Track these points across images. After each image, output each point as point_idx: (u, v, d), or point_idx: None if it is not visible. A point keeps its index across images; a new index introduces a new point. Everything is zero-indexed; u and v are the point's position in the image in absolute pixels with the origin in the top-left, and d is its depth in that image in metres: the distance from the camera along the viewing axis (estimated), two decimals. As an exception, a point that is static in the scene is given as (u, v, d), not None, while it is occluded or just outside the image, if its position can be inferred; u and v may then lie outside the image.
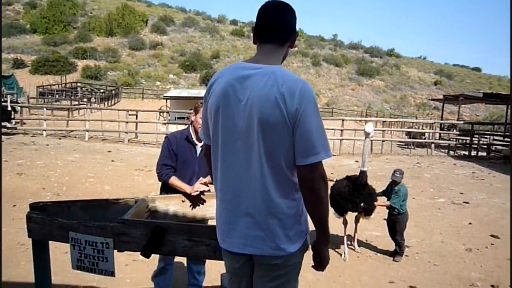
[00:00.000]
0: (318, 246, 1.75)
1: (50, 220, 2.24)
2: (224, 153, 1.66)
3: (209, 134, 1.75)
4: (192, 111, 3.19)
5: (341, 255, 4.77)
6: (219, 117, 1.65)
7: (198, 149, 3.15)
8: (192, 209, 2.96)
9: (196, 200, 2.97)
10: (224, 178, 1.69)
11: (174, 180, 3.04)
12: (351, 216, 4.97)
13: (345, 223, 4.95)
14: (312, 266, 1.81)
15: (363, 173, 4.55)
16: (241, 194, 1.65)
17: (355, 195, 4.61)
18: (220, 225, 1.76)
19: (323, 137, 1.58)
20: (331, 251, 4.45)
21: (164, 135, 14.17)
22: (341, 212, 4.82)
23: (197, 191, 2.94)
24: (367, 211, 4.81)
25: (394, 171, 4.94)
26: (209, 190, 2.98)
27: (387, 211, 5.02)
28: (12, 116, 15.41)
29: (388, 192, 5.01)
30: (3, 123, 14.35)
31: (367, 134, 4.50)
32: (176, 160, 3.13)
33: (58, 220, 2.23)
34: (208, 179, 3.00)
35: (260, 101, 1.55)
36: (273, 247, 1.64)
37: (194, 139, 3.14)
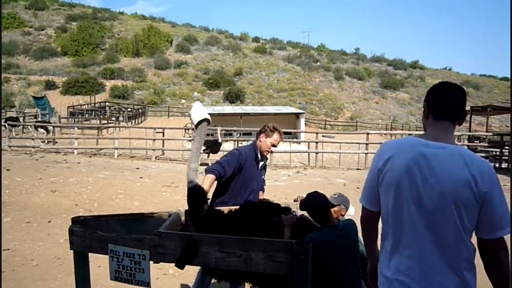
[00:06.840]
0: None
1: (90, 233, 2.38)
2: (410, 227, 1.71)
3: (374, 201, 1.86)
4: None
5: None
6: (402, 193, 1.71)
7: (260, 165, 3.43)
8: None
9: None
10: (409, 253, 1.72)
11: (208, 179, 3.02)
12: None
13: None
14: None
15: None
16: (432, 269, 1.68)
17: None
18: None
19: (508, 212, 1.67)
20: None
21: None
22: None
23: None
24: None
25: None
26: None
27: None
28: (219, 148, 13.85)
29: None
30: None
31: None
32: (238, 172, 3.25)
33: (98, 233, 2.36)
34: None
35: (453, 181, 1.63)
36: None
37: (259, 157, 3.40)
